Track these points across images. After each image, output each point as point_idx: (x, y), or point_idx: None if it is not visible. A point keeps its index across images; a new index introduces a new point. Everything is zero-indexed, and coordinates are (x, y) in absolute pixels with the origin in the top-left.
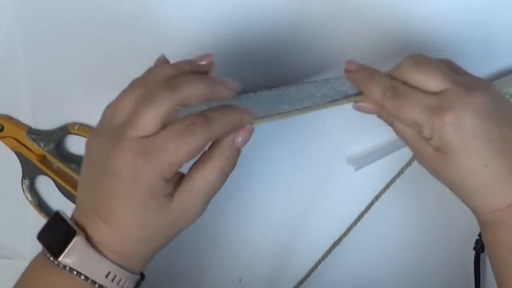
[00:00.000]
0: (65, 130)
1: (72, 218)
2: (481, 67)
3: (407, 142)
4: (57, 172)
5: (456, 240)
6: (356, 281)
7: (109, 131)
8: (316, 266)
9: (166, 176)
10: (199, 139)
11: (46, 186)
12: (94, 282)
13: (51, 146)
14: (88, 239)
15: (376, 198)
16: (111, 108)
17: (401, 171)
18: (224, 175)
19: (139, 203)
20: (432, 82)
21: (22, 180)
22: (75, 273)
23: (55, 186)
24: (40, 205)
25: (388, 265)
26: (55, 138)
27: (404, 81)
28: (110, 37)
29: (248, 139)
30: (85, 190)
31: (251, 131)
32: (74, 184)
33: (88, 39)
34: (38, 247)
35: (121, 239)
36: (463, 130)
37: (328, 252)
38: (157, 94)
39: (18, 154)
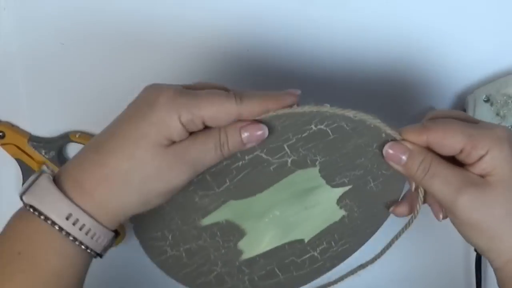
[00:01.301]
0: (66, 138)
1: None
2: (481, 67)
3: (440, 191)
4: None
5: (457, 241)
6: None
7: (172, 85)
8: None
9: (181, 118)
10: (230, 102)
11: None
12: (54, 223)
13: (52, 153)
14: (62, 178)
15: None
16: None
17: None
18: (219, 154)
19: (144, 140)
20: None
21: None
22: (37, 213)
23: None
24: None
25: (388, 265)
26: (56, 145)
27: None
28: (110, 44)
29: (255, 137)
30: (112, 122)
31: (261, 129)
32: None
33: (89, 48)
34: None
35: (101, 177)
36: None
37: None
38: (230, 96)
39: (19, 161)
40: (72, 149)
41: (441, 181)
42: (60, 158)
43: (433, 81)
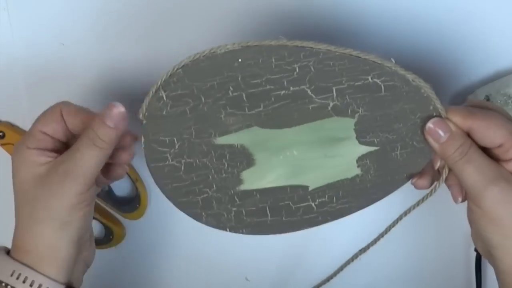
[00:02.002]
0: None
1: None
2: (481, 67)
3: (472, 177)
4: None
5: (458, 241)
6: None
7: None
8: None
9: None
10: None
11: None
12: (1, 282)
13: None
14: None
15: None
16: None
17: None
18: (97, 146)
19: (18, 184)
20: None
21: None
22: None
23: None
24: None
25: (388, 265)
26: None
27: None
28: (110, 44)
29: (117, 117)
30: None
31: (115, 107)
32: None
33: (89, 48)
34: None
35: (21, 231)
36: None
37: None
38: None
39: None
40: None
41: (475, 169)
42: None
43: (433, 80)
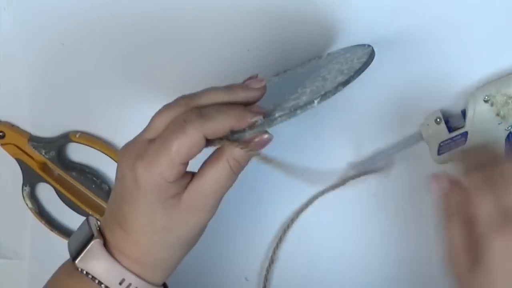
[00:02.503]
0: (66, 138)
1: (99, 224)
2: (481, 67)
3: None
4: (58, 180)
5: None
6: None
7: (139, 143)
8: None
9: (168, 177)
10: (191, 136)
11: (46, 193)
12: None
13: (52, 153)
14: (107, 245)
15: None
16: (152, 119)
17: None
18: (233, 174)
19: (146, 206)
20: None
21: (22, 187)
22: (91, 277)
23: (55, 194)
24: (40, 212)
25: (388, 264)
26: (56, 145)
27: None
28: (110, 45)
29: (261, 147)
30: (111, 196)
31: (266, 140)
32: (74, 192)
33: (89, 48)
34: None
35: (135, 245)
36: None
37: None
38: (188, 126)
39: (19, 161)
40: (72, 149)
41: None
42: (60, 158)
43: (433, 80)
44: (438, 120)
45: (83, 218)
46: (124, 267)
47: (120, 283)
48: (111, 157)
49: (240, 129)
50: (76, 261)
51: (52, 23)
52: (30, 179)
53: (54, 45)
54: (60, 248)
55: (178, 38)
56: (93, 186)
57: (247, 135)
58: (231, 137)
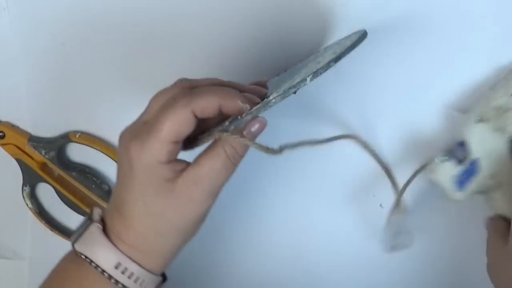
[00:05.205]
0: (66, 138)
1: (102, 212)
2: (481, 67)
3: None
4: (58, 180)
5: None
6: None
7: (135, 125)
8: None
9: (159, 157)
10: (178, 113)
11: (46, 193)
12: (103, 271)
13: (52, 154)
14: (106, 230)
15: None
16: (149, 102)
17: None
18: (230, 163)
19: (139, 187)
20: None
21: (22, 187)
22: (89, 261)
23: (55, 194)
24: (40, 212)
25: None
26: (56, 146)
27: None
28: (110, 44)
29: (260, 131)
30: (115, 184)
31: (263, 123)
32: (74, 192)
33: (89, 48)
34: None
35: (131, 230)
36: None
37: None
38: (176, 103)
39: (19, 161)
40: (72, 149)
41: None
42: (60, 158)
43: (434, 80)
44: (442, 159)
45: (83, 218)
46: (121, 251)
47: (116, 267)
48: (111, 157)
49: (235, 117)
50: (75, 244)
51: (52, 23)
52: (30, 179)
53: (54, 45)
54: (60, 248)
55: (178, 38)
56: (93, 186)
57: (244, 121)
58: (229, 128)
